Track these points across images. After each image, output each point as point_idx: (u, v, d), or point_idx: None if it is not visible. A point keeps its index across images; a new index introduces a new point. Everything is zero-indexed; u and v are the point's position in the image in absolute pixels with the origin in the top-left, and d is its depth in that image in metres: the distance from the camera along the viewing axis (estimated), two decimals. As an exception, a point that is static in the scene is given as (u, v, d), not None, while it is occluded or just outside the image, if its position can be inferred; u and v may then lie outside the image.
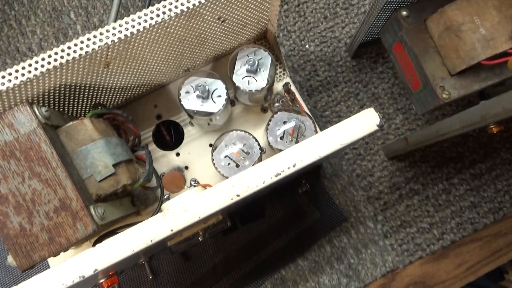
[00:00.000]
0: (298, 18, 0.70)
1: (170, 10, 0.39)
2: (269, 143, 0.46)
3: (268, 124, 0.46)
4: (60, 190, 0.37)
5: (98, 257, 0.33)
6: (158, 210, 0.49)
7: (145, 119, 0.56)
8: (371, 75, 0.68)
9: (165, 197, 0.46)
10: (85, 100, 0.47)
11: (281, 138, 0.46)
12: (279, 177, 0.34)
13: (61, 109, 0.45)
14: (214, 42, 0.51)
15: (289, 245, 0.62)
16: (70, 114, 0.47)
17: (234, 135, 0.46)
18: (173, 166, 0.55)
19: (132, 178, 0.43)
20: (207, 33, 0.47)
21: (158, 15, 0.39)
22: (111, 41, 0.37)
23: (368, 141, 0.66)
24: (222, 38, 0.51)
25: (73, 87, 0.43)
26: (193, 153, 0.56)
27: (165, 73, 0.52)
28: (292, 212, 0.63)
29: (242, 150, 0.46)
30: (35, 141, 0.37)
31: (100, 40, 0.37)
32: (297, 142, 0.46)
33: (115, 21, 0.62)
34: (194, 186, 0.46)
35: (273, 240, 0.62)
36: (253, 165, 0.46)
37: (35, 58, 0.36)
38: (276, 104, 0.56)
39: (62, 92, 0.42)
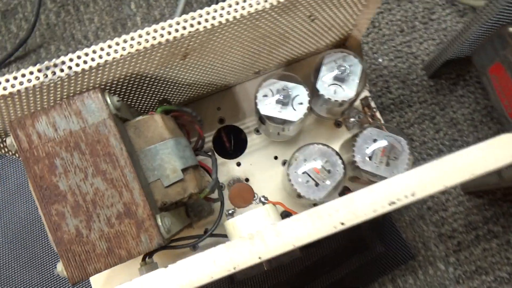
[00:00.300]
0: (372, 29, 0.64)
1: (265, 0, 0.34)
2: (354, 163, 0.40)
3: (354, 140, 0.40)
4: (126, 193, 0.32)
5: (172, 281, 0.27)
6: (217, 225, 0.43)
7: (206, 121, 0.51)
8: (450, 98, 0.62)
9: (230, 211, 0.40)
10: (153, 94, 0.42)
11: (370, 158, 0.40)
12: (392, 207, 0.28)
13: (129, 102, 0.40)
14: (294, 44, 0.45)
15: (346, 278, 0.55)
16: (135, 108, 0.43)
17: (315, 150, 0.41)
18: (233, 177, 0.50)
19: (199, 186, 0.38)
20: (291, 32, 0.42)
21: (251, 5, 0.34)
22: (202, 27, 0.32)
23: (441, 170, 0.60)
24: (304, 39, 0.45)
25: (145, 77, 0.38)
26: (256, 164, 0.50)
27: (236, 72, 0.47)
28: (353, 242, 0.56)
29: (324, 167, 0.40)
30: (104, 134, 0.32)
31: (191, 25, 0.33)
32: (387, 164, 0.40)
33: (180, 15, 0.58)
34: (264, 202, 0.40)
35: (329, 271, 0.55)
36: (335, 185, 0.40)
37: (116, 40, 0.32)
38: (352, 119, 0.50)
39: (132, 82, 0.38)
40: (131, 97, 0.40)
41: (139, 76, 0.37)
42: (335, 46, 0.52)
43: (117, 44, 0.31)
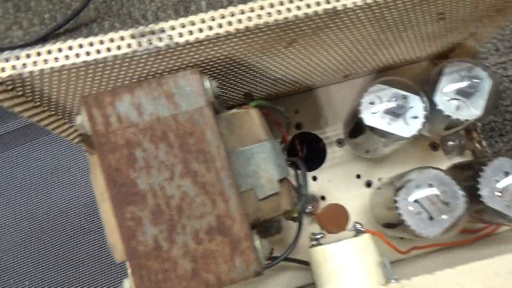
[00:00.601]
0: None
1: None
2: (479, 197, 0.33)
3: (480, 170, 0.33)
4: (221, 203, 0.25)
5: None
6: (293, 248, 0.36)
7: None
8: (547, 131, 0.54)
9: (318, 236, 0.33)
10: (240, 85, 0.35)
11: (500, 194, 0.32)
12: None
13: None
14: (403, 45, 0.39)
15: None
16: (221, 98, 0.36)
17: (431, 175, 0.33)
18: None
19: (291, 202, 0.31)
20: (410, 30, 0.35)
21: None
22: (321, 9, 0.25)
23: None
24: (417, 42, 0.39)
25: (240, 63, 0.31)
26: (335, 181, 0.43)
27: (327, 72, 0.40)
28: None
29: (440, 198, 0.33)
30: (199, 125, 0.25)
31: (308, 6, 0.26)
32: (519, 204, 0.32)
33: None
34: (360, 231, 0.33)
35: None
36: (454, 222, 0.33)
37: (231, 9, 0.25)
38: (450, 143, 0.43)
39: (226, 66, 0.31)
40: (220, 85, 0.33)
41: (234, 60, 0.30)
42: (439, 56, 0.46)
43: (232, 14, 0.24)
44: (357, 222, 0.34)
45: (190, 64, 0.28)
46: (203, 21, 0.25)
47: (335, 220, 0.34)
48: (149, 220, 0.24)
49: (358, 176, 0.43)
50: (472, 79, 0.35)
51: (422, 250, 0.39)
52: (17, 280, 0.50)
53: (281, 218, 0.41)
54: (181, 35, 0.24)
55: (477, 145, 0.42)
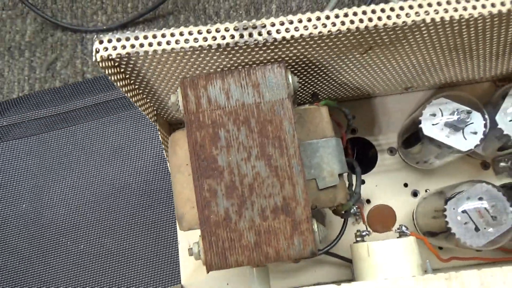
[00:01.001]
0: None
1: (493, 5, 0.28)
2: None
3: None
4: (289, 187, 0.28)
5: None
6: (337, 242, 0.38)
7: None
8: None
9: (364, 233, 0.36)
10: (312, 84, 0.38)
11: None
12: None
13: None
14: (471, 64, 0.40)
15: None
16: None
17: (484, 189, 0.35)
18: (354, 194, 0.45)
19: (346, 197, 0.33)
20: (482, 50, 0.36)
21: (475, 7, 0.29)
22: (409, 21, 0.28)
23: None
24: (484, 62, 0.40)
25: (317, 63, 0.34)
26: (382, 187, 0.45)
27: (391, 82, 0.42)
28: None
29: (488, 211, 0.34)
30: (278, 115, 0.29)
31: (398, 16, 0.28)
32: None
33: (332, 8, 0.54)
34: (405, 233, 0.35)
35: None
36: (499, 236, 0.34)
37: (327, 13, 0.28)
38: (502, 164, 0.44)
39: (303, 65, 0.34)
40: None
41: (314, 61, 0.33)
42: (502, 78, 0.46)
43: (327, 17, 0.27)
44: (403, 225, 0.36)
45: (278, 59, 0.31)
46: (300, 21, 0.28)
47: (383, 219, 0.36)
48: (223, 193, 0.28)
49: (406, 185, 0.45)
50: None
51: (462, 262, 0.40)
52: (73, 242, 0.55)
53: (326, 213, 0.43)
54: (278, 31, 0.27)
55: (530, 170, 0.42)
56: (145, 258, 0.54)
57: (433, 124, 0.37)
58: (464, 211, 0.34)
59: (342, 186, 0.32)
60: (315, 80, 0.38)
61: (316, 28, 0.27)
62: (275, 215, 0.28)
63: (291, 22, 0.27)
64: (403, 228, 0.36)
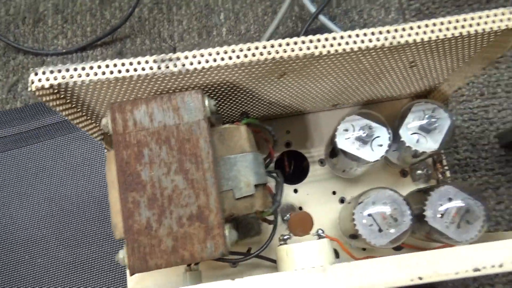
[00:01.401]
0: (450, 86, 0.64)
1: (386, 38, 0.34)
2: (423, 217, 0.39)
3: (428, 194, 0.39)
4: (203, 197, 0.32)
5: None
6: (266, 247, 0.42)
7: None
8: (520, 172, 0.59)
9: (285, 237, 0.40)
10: (238, 105, 0.43)
11: (441, 216, 0.38)
12: (476, 274, 0.27)
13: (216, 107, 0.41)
14: (384, 85, 0.45)
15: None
16: (220, 114, 0.44)
17: (387, 195, 0.40)
18: (287, 202, 0.49)
19: (265, 205, 0.38)
20: (387, 73, 0.42)
21: (370, 40, 0.34)
22: (308, 53, 0.33)
23: None
24: (396, 83, 0.45)
25: (239, 87, 0.39)
26: (313, 195, 0.50)
27: (316, 100, 0.47)
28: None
29: (391, 215, 0.39)
30: (195, 134, 0.33)
31: (293, 49, 0.33)
32: (458, 227, 0.38)
33: (268, 39, 0.59)
34: (321, 236, 0.39)
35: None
36: (399, 235, 0.39)
37: (233, 47, 0.32)
38: (419, 171, 0.49)
39: (225, 89, 0.38)
40: (219, 104, 0.41)
41: (233, 85, 0.38)
42: (418, 95, 0.52)
43: (233, 51, 0.32)
44: (320, 229, 0.41)
45: (198, 85, 0.36)
46: (210, 54, 0.32)
47: (301, 225, 0.40)
48: (145, 204, 0.32)
49: (334, 193, 0.50)
50: (433, 118, 0.42)
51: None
52: (31, 257, 0.58)
53: (261, 222, 0.48)
54: (191, 63, 0.32)
55: (440, 176, 0.48)
56: (100, 269, 0.57)
57: (346, 138, 0.42)
58: (369, 215, 0.39)
59: (259, 195, 0.37)
60: (242, 101, 0.42)
61: (223, 60, 0.32)
62: (190, 222, 0.32)
63: (202, 55, 0.32)
64: (319, 232, 0.40)
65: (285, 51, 0.32)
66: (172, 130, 0.33)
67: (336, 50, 0.33)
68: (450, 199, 0.39)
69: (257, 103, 0.44)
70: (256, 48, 0.32)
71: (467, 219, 0.38)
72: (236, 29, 0.66)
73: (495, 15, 0.33)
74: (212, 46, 0.32)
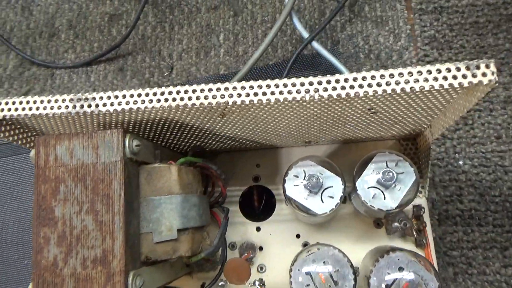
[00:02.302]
0: (462, 125, 0.56)
1: (316, 90, 0.30)
2: (368, 285, 0.34)
3: (377, 260, 0.35)
4: (109, 241, 0.31)
5: None
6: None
7: (241, 175, 0.49)
8: (534, 232, 0.51)
9: (221, 283, 0.38)
10: (186, 139, 0.41)
11: (387, 287, 0.34)
12: None
13: (159, 142, 0.40)
14: (353, 128, 0.41)
15: None
16: (167, 147, 0.42)
17: (330, 253, 0.36)
18: (247, 240, 0.47)
19: (193, 250, 0.36)
20: (348, 118, 0.38)
21: (299, 91, 0.30)
22: (237, 101, 0.30)
23: (496, 313, 0.49)
24: (364, 126, 0.41)
25: (180, 124, 0.37)
26: (276, 236, 0.47)
27: (282, 138, 0.44)
28: None
29: (331, 276, 0.35)
30: (110, 175, 0.32)
31: (223, 96, 0.31)
32: (407, 302, 0.33)
33: (256, 62, 0.57)
34: (258, 286, 0.37)
35: None
36: (337, 303, 0.35)
37: (147, 90, 0.31)
38: (395, 224, 0.44)
39: (166, 126, 0.37)
40: (163, 138, 0.40)
41: (173, 122, 0.36)
42: (404, 138, 0.47)
43: (147, 95, 0.30)
44: (259, 280, 0.38)
45: (125, 123, 0.35)
46: (124, 97, 0.31)
47: (237, 273, 0.38)
48: (55, 241, 0.32)
49: (298, 236, 0.46)
50: (394, 173, 0.37)
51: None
52: None
53: (215, 259, 0.46)
54: (104, 105, 0.31)
55: (414, 233, 0.42)
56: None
57: (294, 185, 0.38)
58: (308, 273, 0.36)
59: (186, 239, 0.35)
60: (191, 136, 0.41)
61: (136, 103, 0.31)
62: (94, 265, 0.31)
63: (116, 97, 0.31)
64: (256, 283, 0.38)
65: (198, 98, 0.30)
66: (89, 169, 0.32)
67: (260, 100, 0.30)
68: (400, 269, 0.34)
69: (211, 137, 0.42)
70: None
71: (418, 295, 0.33)
72: (234, 50, 0.65)
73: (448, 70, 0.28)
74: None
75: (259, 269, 0.46)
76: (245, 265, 0.38)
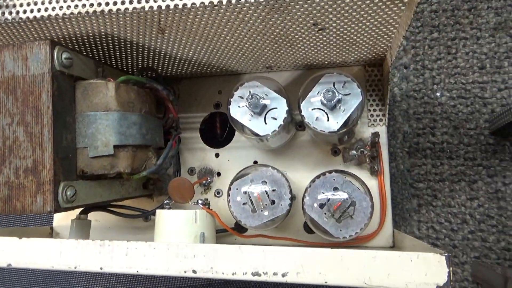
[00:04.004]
0: (444, 55, 0.53)
1: None
2: (303, 205, 0.34)
3: (313, 181, 0.34)
4: (39, 151, 0.32)
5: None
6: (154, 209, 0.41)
7: (203, 101, 0.48)
8: (507, 166, 0.49)
9: (166, 201, 0.39)
10: (134, 58, 0.40)
11: (321, 206, 0.34)
12: (255, 278, 0.23)
13: (102, 59, 0.39)
14: (307, 49, 0.39)
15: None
16: (116, 67, 0.42)
17: (268, 174, 0.36)
18: (206, 166, 0.47)
19: (133, 166, 0.36)
20: (297, 37, 0.36)
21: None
22: (164, 5, 0.29)
23: (457, 245, 0.49)
24: (319, 48, 0.39)
25: (121, 41, 0.36)
26: (234, 162, 0.47)
27: (238, 61, 0.43)
28: None
29: (267, 195, 0.35)
30: (39, 87, 0.32)
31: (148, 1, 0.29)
32: (338, 221, 0.33)
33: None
34: (198, 206, 0.37)
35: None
36: (273, 219, 0.35)
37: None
38: (352, 152, 0.43)
39: (105, 42, 0.36)
40: (107, 56, 0.39)
41: (109, 37, 0.35)
42: (370, 64, 0.44)
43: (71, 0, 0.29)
44: (203, 199, 0.38)
45: (60, 37, 0.34)
46: (43, 3, 0.30)
47: (180, 192, 0.38)
48: (-11, 151, 0.32)
49: (255, 162, 0.46)
50: (336, 93, 0.35)
51: (273, 241, 0.41)
52: None
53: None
54: (25, 12, 0.30)
55: (367, 160, 0.41)
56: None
57: (239, 107, 0.37)
58: (246, 192, 0.36)
59: (124, 156, 0.36)
60: (139, 56, 0.40)
61: (58, 9, 0.29)
62: (25, 174, 0.32)
63: (35, 3, 0.30)
64: (199, 202, 0.38)
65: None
66: (19, 81, 0.32)
67: (159, 7, 0.29)
68: (335, 189, 0.34)
69: (160, 58, 0.41)
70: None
71: (350, 215, 0.33)
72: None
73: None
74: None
75: (216, 194, 0.46)
76: (188, 184, 0.38)
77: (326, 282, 0.22)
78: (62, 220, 0.50)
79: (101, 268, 0.25)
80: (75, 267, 0.26)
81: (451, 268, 0.21)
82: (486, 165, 0.50)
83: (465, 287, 0.48)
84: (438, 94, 0.52)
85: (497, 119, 0.48)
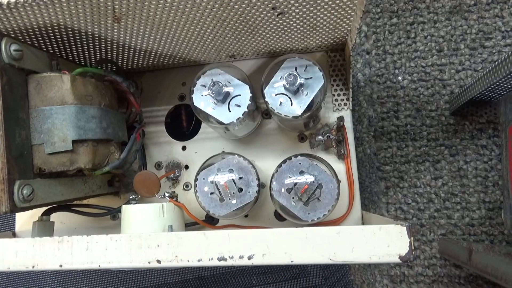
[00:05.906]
0: (404, 39, 0.54)
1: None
2: (270, 190, 0.34)
3: (279, 166, 0.34)
4: (-10, 150, 0.30)
5: None
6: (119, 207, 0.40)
7: (167, 94, 0.47)
8: (468, 145, 0.51)
9: (132, 197, 0.38)
10: (90, 50, 0.39)
11: (288, 191, 0.34)
12: (221, 263, 0.23)
13: (57, 52, 0.38)
14: (268, 35, 0.39)
15: (273, 300, 0.51)
16: (72, 60, 0.40)
17: (234, 161, 0.35)
18: (173, 159, 0.46)
19: (95, 162, 0.35)
20: (257, 22, 0.35)
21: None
22: None
23: (424, 223, 0.50)
24: (281, 33, 0.39)
25: (75, 31, 0.35)
26: (201, 154, 0.46)
27: (200, 51, 0.42)
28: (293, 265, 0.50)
29: (234, 183, 0.35)
30: (-14, 82, 0.30)
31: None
32: (306, 204, 0.33)
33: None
34: (165, 199, 0.36)
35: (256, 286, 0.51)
36: (241, 207, 0.35)
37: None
38: (319, 137, 0.43)
39: (58, 33, 0.35)
40: (62, 49, 0.37)
41: (63, 28, 0.34)
42: (332, 49, 0.44)
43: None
44: (170, 192, 0.38)
45: (9, 30, 0.32)
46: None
47: (146, 185, 0.37)
48: None
49: (223, 153, 0.45)
50: (298, 76, 0.35)
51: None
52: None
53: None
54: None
55: (333, 144, 0.42)
56: None
57: (202, 95, 0.37)
58: (213, 182, 0.35)
59: (84, 152, 0.34)
60: (95, 47, 0.38)
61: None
62: (-22, 174, 0.30)
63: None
64: (166, 195, 0.37)
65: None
66: (-34, 76, 0.30)
67: None
68: (301, 173, 0.34)
69: (118, 50, 0.40)
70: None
71: (317, 197, 0.33)
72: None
73: None
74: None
75: (184, 187, 0.45)
76: (154, 177, 0.37)
77: (292, 261, 0.22)
78: (26, 224, 0.48)
79: (60, 266, 0.24)
80: (33, 267, 0.24)
81: (412, 238, 0.21)
82: (448, 144, 0.51)
83: (433, 264, 0.49)
84: (400, 78, 0.53)
85: (456, 99, 0.50)
